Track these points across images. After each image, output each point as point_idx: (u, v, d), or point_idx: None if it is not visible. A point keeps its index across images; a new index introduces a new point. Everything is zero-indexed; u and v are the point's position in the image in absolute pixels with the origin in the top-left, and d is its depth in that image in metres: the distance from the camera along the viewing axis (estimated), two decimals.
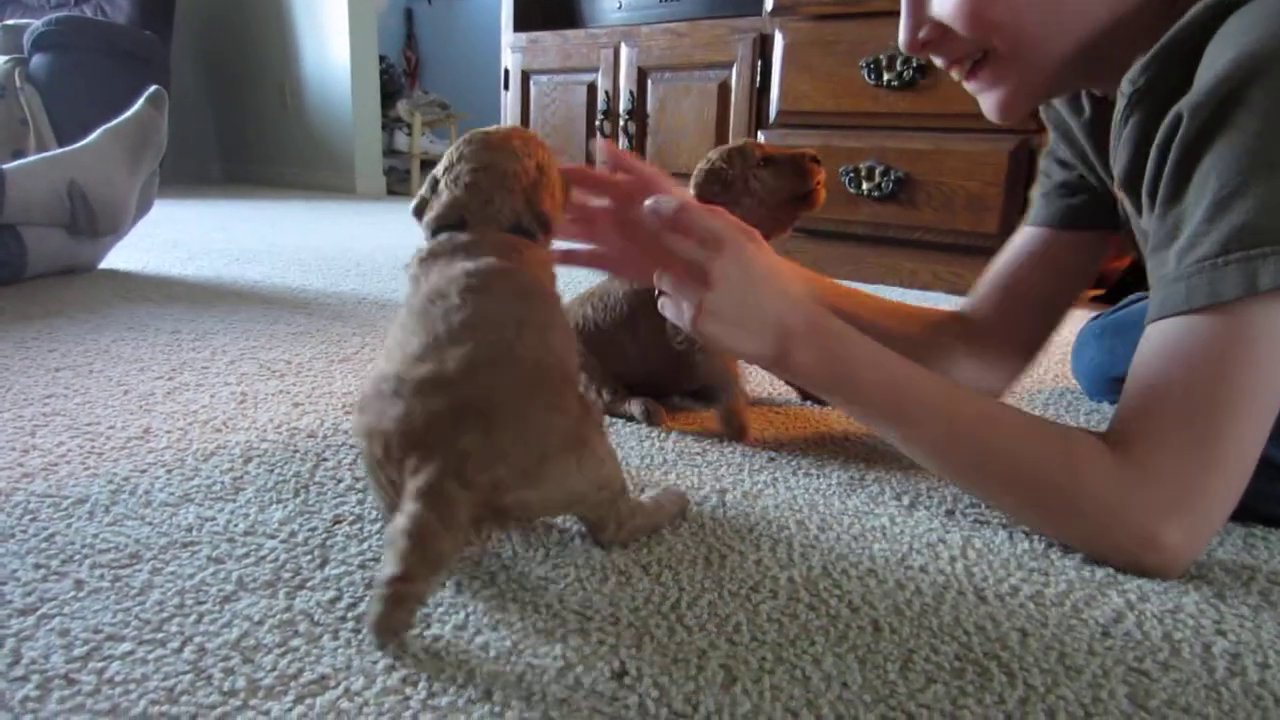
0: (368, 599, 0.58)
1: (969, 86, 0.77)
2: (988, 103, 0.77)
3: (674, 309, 0.75)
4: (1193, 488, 0.61)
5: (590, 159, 2.71)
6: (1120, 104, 0.68)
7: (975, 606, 0.61)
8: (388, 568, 0.52)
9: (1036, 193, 0.97)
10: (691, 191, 0.99)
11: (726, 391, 0.96)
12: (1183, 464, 0.60)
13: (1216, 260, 0.59)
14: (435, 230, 0.70)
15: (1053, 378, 1.31)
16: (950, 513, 0.77)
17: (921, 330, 0.97)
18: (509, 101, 2.99)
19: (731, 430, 0.95)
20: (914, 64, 1.98)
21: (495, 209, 0.69)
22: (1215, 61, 0.60)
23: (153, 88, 1.95)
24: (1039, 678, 0.53)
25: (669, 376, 1.05)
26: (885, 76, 2.03)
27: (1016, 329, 0.96)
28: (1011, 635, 0.57)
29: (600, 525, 0.66)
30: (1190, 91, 0.61)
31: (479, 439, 0.55)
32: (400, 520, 0.53)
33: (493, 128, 0.74)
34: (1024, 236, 0.97)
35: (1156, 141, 0.64)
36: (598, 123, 2.69)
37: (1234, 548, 0.71)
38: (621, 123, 2.63)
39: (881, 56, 2.03)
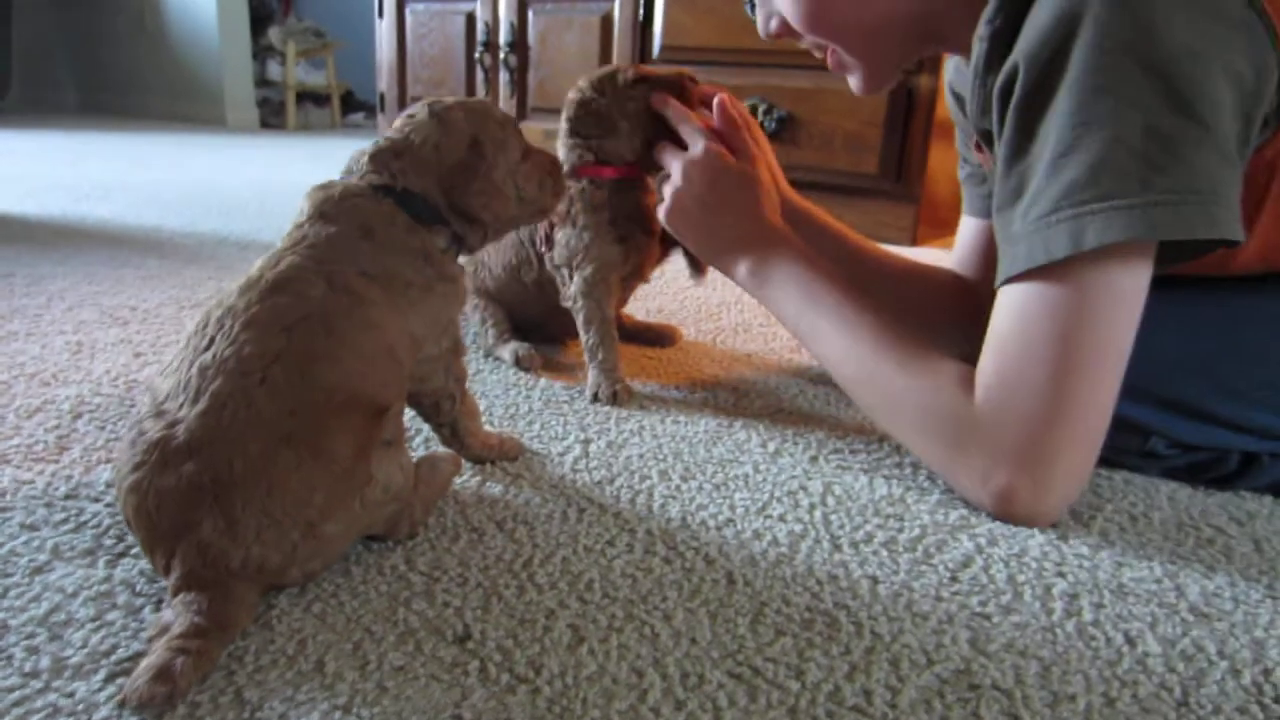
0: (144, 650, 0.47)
1: (830, 66, 0.80)
2: (851, 83, 0.81)
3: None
4: (1039, 442, 0.62)
5: (470, 93, 2.61)
6: (979, 49, 0.64)
7: (829, 555, 0.61)
8: (179, 625, 0.45)
9: (961, 176, 0.98)
10: (563, 126, 0.92)
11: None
12: (1026, 418, 0.61)
13: (1050, 218, 0.59)
14: (357, 163, 0.64)
15: None
16: (814, 459, 0.77)
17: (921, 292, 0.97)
18: (384, 31, 2.84)
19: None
20: None
21: (402, 169, 0.62)
22: (1047, 2, 0.58)
23: None
24: (885, 626, 0.53)
25: (557, 323, 1.02)
26: None
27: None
28: (863, 583, 0.58)
29: (393, 529, 0.59)
30: (1022, 37, 0.59)
31: (219, 525, 0.48)
32: (184, 599, 0.47)
33: (469, 100, 0.66)
34: (964, 225, 0.99)
35: (996, 88, 0.62)
36: (477, 55, 2.58)
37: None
38: (502, 55, 2.53)
39: None
